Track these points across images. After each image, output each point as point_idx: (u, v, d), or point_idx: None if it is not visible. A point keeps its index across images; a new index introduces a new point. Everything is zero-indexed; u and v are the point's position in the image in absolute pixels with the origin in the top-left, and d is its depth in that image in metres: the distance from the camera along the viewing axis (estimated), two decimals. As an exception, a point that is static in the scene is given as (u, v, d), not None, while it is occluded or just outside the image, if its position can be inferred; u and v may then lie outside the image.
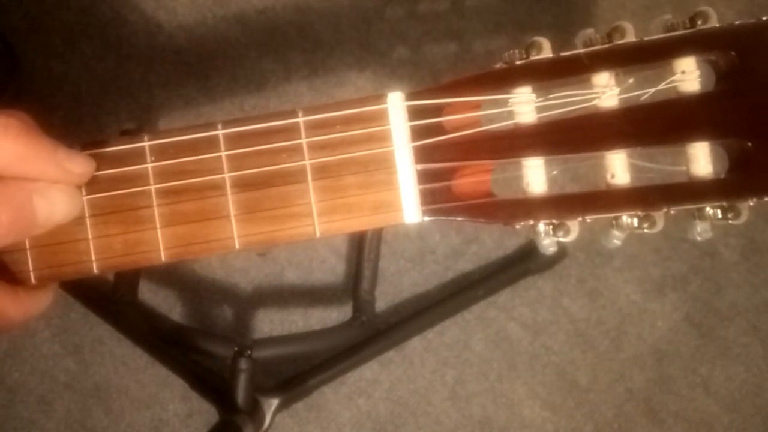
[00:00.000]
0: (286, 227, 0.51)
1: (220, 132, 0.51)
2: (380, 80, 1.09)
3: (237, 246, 0.51)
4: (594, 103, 0.48)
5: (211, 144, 0.51)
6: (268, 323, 1.09)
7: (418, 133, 0.51)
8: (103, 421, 1.09)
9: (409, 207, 0.51)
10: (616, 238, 0.51)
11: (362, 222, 0.51)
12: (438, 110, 0.50)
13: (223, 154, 0.51)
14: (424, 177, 0.51)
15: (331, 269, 1.09)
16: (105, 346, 1.09)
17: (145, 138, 0.51)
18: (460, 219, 0.51)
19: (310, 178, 0.51)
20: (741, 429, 1.05)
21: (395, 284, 1.08)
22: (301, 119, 0.51)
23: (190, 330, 1.06)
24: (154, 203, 0.51)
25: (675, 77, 0.48)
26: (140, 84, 1.10)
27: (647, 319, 1.07)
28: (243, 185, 0.51)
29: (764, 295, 1.07)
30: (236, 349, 0.93)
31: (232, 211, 0.51)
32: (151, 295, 1.09)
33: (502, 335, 1.07)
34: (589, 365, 1.07)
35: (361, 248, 1.00)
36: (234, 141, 0.51)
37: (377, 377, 1.07)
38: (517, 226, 0.50)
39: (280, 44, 1.10)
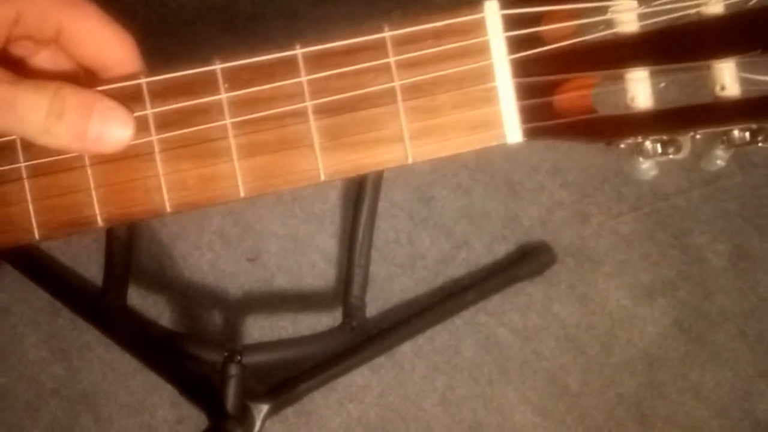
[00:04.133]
0: (375, 154, 0.47)
1: (299, 52, 0.46)
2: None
3: (322, 177, 0.47)
4: (700, 9, 0.45)
5: (290, 68, 0.46)
6: (258, 329, 1.08)
7: (515, 44, 0.46)
8: (91, 427, 1.08)
9: (510, 125, 0.46)
10: (720, 159, 0.47)
11: (459, 143, 0.46)
12: (535, 20, 0.46)
13: (304, 79, 0.46)
14: (524, 93, 0.46)
15: (321, 274, 1.09)
16: (93, 351, 1.08)
17: (217, 62, 0.47)
18: (561, 138, 0.47)
19: (399, 99, 0.46)
20: (730, 434, 1.06)
21: (385, 290, 1.08)
22: (387, 34, 0.46)
23: (180, 335, 1.06)
24: (230, 134, 0.47)
25: None
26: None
27: (637, 324, 1.07)
28: (326, 111, 0.47)
29: (752, 301, 1.07)
30: (226, 354, 0.93)
31: (316, 140, 0.47)
32: (140, 300, 1.08)
33: (492, 341, 1.07)
34: (580, 370, 1.07)
35: (352, 253, 1.00)
36: (314, 63, 0.46)
37: (368, 383, 1.07)
38: (622, 145, 0.47)
39: (270, 51, 1.10)
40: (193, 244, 1.09)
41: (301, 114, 0.46)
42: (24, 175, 0.48)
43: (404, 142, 0.46)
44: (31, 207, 0.48)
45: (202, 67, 0.47)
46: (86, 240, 1.10)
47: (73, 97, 0.46)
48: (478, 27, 0.46)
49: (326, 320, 1.07)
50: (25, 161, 0.48)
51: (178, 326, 1.08)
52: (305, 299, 1.09)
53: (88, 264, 1.09)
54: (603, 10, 0.45)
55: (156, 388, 1.06)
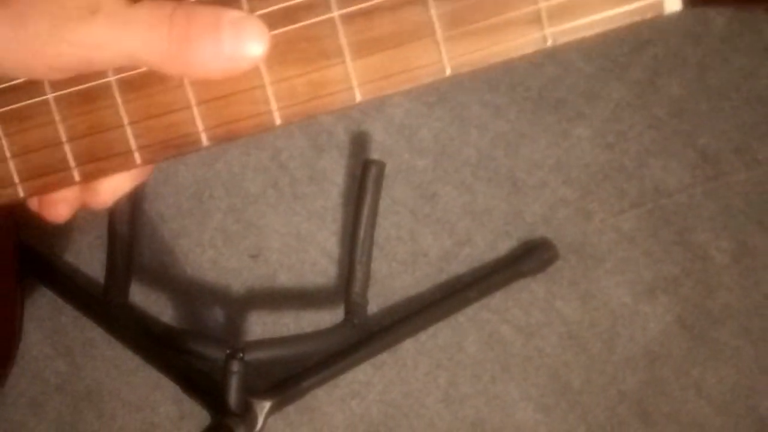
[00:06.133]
0: (508, 39, 0.40)
1: None
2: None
3: (448, 71, 0.41)
4: None
5: None
6: (260, 325, 1.08)
7: None
8: (94, 424, 1.08)
9: None
10: None
11: (606, 18, 0.40)
12: None
13: None
14: None
15: (323, 272, 1.09)
16: (96, 348, 1.08)
17: None
18: (725, 5, 0.42)
19: None
20: (733, 431, 1.06)
21: (387, 287, 1.08)
22: None
23: (182, 332, 1.06)
24: (340, 32, 0.41)
25: None
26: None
27: (639, 321, 1.07)
28: None
29: (756, 298, 1.07)
30: (228, 351, 0.93)
31: (438, 29, 0.40)
32: (142, 297, 1.08)
33: (495, 337, 1.07)
34: (582, 367, 1.07)
35: (353, 251, 1.00)
36: None
37: (370, 380, 1.07)
38: None
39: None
40: (194, 241, 1.10)
41: (419, 1, 0.41)
42: (117, 95, 0.44)
43: (541, 22, 0.40)
44: (129, 130, 0.45)
45: None
46: (89, 237, 1.10)
47: (197, 14, 0.41)
48: None
49: (328, 317, 1.07)
50: (115, 76, 0.44)
51: (181, 323, 1.08)
52: (307, 296, 1.09)
53: (91, 261, 1.10)
54: None
55: (158, 384, 1.07)
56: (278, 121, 0.43)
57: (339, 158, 1.11)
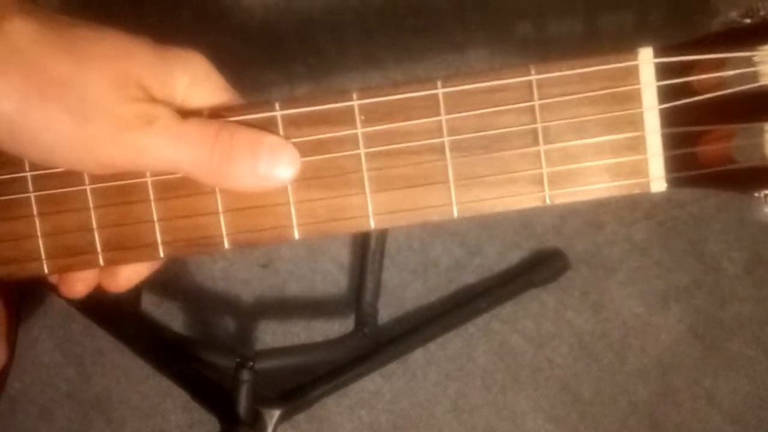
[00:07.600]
0: (511, 193, 0.47)
1: (440, 91, 0.46)
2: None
3: (455, 213, 0.47)
4: None
5: (430, 105, 0.46)
6: (271, 334, 1.09)
7: (665, 93, 0.46)
8: (104, 431, 1.08)
9: (655, 175, 0.46)
10: None
11: (599, 190, 0.47)
12: (686, 69, 0.45)
13: (443, 117, 0.46)
14: (670, 143, 0.46)
15: (334, 281, 1.09)
16: (106, 356, 1.09)
17: (354, 96, 0.47)
18: (701, 188, 0.47)
19: (541, 141, 0.46)
20: (745, 443, 1.05)
21: (398, 296, 1.08)
22: (534, 77, 0.46)
23: (192, 341, 1.06)
24: (364, 167, 0.47)
25: None
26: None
27: (651, 331, 1.07)
28: (463, 149, 0.47)
29: (768, 309, 1.07)
30: (238, 360, 0.93)
31: (452, 177, 0.47)
32: (153, 305, 1.09)
33: (505, 348, 1.07)
34: (593, 378, 1.06)
35: (364, 260, 1.00)
36: (455, 101, 0.46)
37: (379, 389, 1.07)
38: (756, 194, 0.47)
39: (283, 56, 1.11)
40: (206, 250, 1.10)
41: (437, 151, 0.47)
42: (152, 193, 0.48)
43: (542, 184, 0.46)
44: (157, 226, 0.49)
45: (339, 99, 0.47)
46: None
47: (240, 135, 0.46)
48: (630, 74, 0.46)
49: (338, 327, 1.07)
50: (151, 179, 0.48)
51: (191, 332, 1.09)
52: (318, 306, 1.09)
53: (102, 269, 1.10)
54: (750, 61, 0.44)
55: (168, 392, 1.07)
56: (297, 236, 0.48)
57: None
